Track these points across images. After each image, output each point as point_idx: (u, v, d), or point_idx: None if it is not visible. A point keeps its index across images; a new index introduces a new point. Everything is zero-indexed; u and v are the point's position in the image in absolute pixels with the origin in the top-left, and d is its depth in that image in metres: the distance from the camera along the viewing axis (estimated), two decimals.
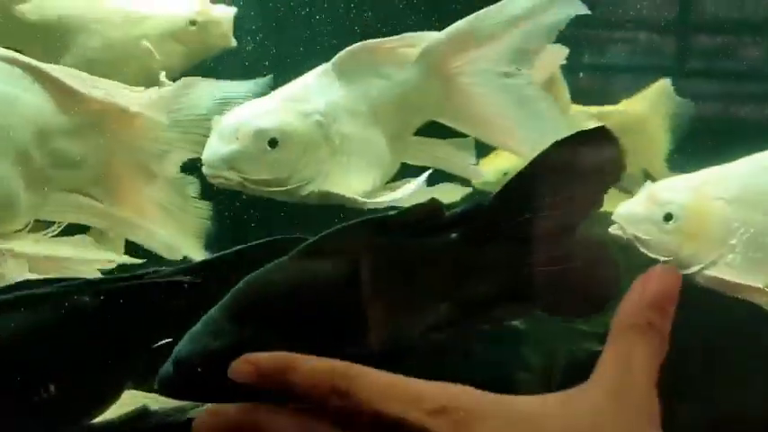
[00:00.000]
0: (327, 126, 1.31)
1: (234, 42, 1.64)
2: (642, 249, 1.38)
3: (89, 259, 1.22)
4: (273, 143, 1.25)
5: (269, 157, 1.26)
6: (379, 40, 1.38)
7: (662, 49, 2.16)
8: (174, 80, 1.50)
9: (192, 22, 1.61)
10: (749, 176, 1.40)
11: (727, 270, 1.36)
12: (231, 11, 1.63)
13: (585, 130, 0.77)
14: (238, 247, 0.95)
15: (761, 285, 1.35)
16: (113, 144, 1.27)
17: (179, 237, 1.35)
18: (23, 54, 1.30)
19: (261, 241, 0.96)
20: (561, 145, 0.78)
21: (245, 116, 1.28)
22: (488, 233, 0.79)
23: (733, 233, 1.36)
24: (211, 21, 1.62)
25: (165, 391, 0.74)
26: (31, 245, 1.18)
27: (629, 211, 1.39)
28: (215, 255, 1.01)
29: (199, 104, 1.33)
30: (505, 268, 0.79)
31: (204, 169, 1.26)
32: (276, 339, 0.71)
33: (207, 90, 1.34)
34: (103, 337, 0.91)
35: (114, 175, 1.29)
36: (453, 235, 0.79)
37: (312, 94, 1.33)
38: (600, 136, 0.77)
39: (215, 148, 1.26)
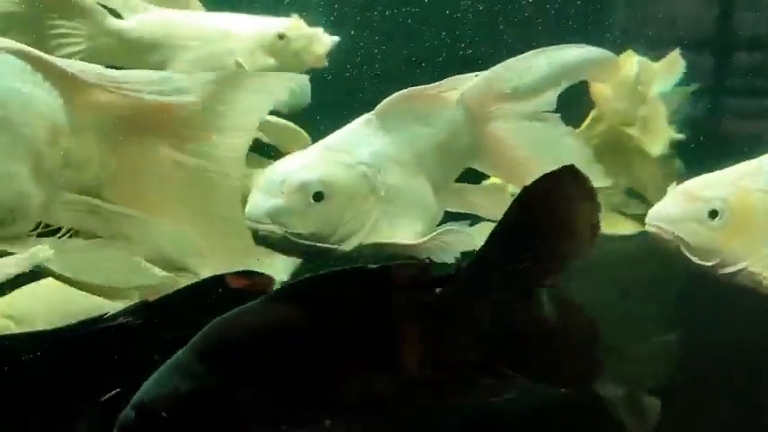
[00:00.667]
0: (373, 176, 1.30)
1: (326, 63, 1.72)
2: (685, 250, 1.34)
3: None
4: (319, 196, 1.24)
5: (314, 211, 1.24)
6: (419, 87, 1.39)
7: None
8: None
9: (281, 36, 1.71)
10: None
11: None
12: (331, 38, 1.72)
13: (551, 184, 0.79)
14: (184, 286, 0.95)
15: None
16: (136, 141, 1.18)
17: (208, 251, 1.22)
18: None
19: (208, 278, 0.95)
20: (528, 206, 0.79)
21: (289, 169, 1.27)
22: (472, 294, 0.78)
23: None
24: (301, 36, 1.71)
25: None
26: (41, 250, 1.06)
27: (668, 212, 1.36)
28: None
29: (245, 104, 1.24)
30: (486, 330, 0.78)
31: (248, 223, 1.24)
32: (248, 382, 0.72)
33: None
34: (44, 394, 0.88)
35: (133, 177, 1.19)
36: (437, 292, 0.78)
37: (355, 144, 1.32)
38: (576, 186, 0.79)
39: (259, 202, 1.24)
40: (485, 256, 0.80)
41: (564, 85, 1.42)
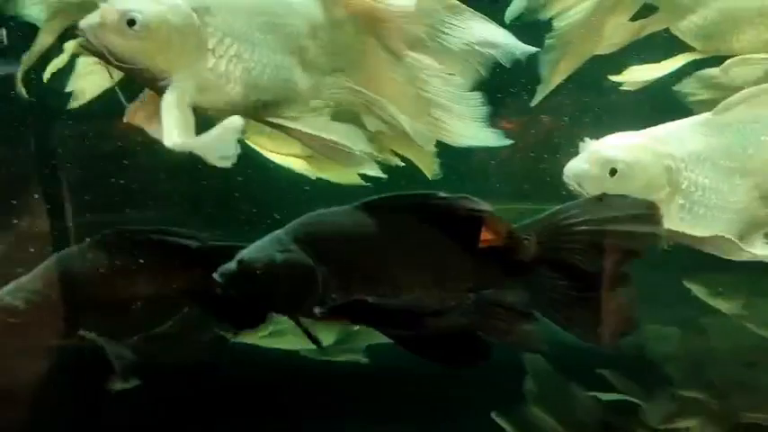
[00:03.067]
0: (677, 171, 1.36)
1: None
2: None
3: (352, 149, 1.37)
4: (613, 172, 1.36)
5: (608, 184, 1.36)
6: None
7: None
8: None
9: None
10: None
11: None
12: None
13: None
14: None
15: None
16: (366, 34, 1.40)
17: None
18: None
19: None
20: None
21: (605, 145, 1.40)
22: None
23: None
24: None
25: (225, 283, 0.94)
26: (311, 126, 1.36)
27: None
28: None
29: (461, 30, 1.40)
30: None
31: (565, 178, 1.42)
32: (324, 263, 0.93)
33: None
34: None
35: (366, 61, 1.42)
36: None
37: (675, 139, 1.39)
38: None
39: (573, 165, 1.41)
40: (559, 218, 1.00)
41: None
